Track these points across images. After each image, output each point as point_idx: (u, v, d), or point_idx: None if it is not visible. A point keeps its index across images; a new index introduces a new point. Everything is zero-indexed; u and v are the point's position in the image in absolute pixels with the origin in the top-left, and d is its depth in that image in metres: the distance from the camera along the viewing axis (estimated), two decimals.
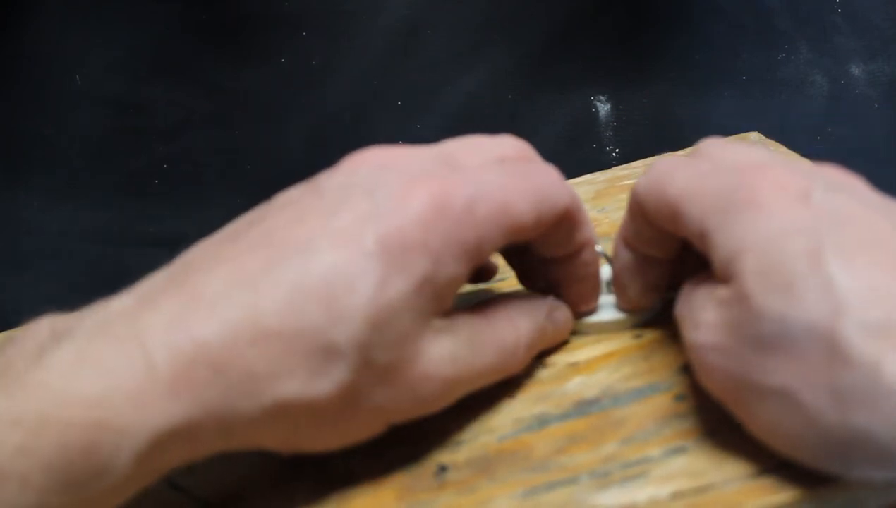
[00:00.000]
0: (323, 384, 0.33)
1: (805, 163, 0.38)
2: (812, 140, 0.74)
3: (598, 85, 0.73)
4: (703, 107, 0.72)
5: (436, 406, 0.37)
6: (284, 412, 0.33)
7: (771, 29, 0.73)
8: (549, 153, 0.72)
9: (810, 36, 0.73)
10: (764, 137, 0.63)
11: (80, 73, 0.69)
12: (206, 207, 0.70)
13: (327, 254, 0.33)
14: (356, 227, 0.34)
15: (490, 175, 0.37)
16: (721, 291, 0.34)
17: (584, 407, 0.39)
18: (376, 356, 0.34)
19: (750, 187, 0.34)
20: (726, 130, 0.69)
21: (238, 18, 0.70)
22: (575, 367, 0.42)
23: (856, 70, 0.73)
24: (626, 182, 0.63)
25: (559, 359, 0.43)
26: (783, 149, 0.61)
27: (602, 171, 0.67)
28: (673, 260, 0.42)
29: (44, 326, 0.33)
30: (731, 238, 0.34)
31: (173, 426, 0.31)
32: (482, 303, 0.40)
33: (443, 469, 0.37)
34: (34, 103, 0.70)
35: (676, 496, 0.33)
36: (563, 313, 0.43)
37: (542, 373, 0.42)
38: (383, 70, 0.71)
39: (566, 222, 0.40)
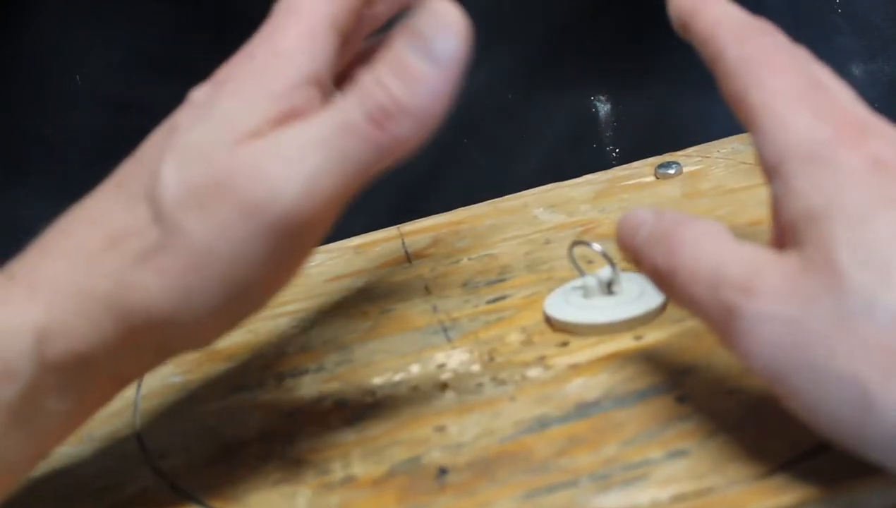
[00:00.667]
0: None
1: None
2: None
3: (598, 85, 0.72)
4: (703, 107, 0.72)
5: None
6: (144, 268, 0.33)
7: None
8: (549, 153, 0.73)
9: (810, 36, 0.72)
10: None
11: (80, 73, 0.69)
12: None
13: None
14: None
15: None
16: (791, 256, 0.31)
17: (584, 408, 0.39)
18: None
19: (842, 150, 0.31)
20: (726, 130, 0.69)
21: (238, 18, 0.70)
22: (576, 369, 0.42)
23: (856, 70, 0.72)
24: (626, 182, 0.64)
25: (560, 361, 0.43)
26: None
27: (602, 171, 0.67)
28: None
29: None
30: (813, 194, 0.31)
31: (47, 323, 0.33)
32: None
33: (443, 471, 0.37)
34: (34, 103, 0.69)
35: (678, 498, 0.33)
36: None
37: (543, 375, 0.42)
38: None
39: None
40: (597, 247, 0.46)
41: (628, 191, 0.62)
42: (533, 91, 0.72)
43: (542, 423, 0.39)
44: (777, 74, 0.34)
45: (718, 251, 0.33)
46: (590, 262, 0.50)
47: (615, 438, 0.37)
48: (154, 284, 0.33)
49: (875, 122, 0.33)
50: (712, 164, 0.63)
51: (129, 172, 0.35)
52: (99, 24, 0.69)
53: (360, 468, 0.38)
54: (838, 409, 0.29)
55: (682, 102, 0.73)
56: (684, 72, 0.72)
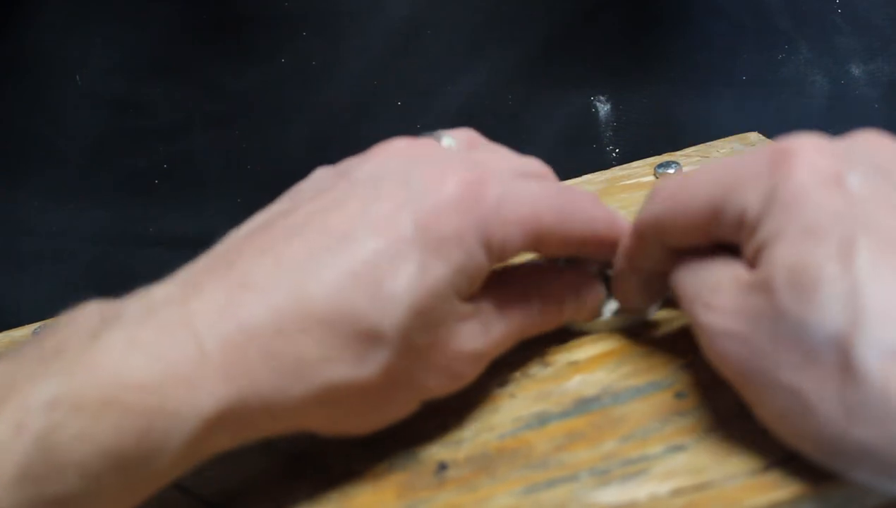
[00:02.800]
0: (368, 367, 0.34)
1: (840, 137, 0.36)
2: None
3: (598, 85, 0.73)
4: (703, 107, 0.72)
5: (467, 380, 0.38)
6: (331, 395, 0.34)
7: (771, 29, 0.73)
8: (549, 153, 0.73)
9: (810, 36, 0.73)
10: (764, 137, 0.63)
11: (81, 73, 0.69)
12: (206, 207, 0.70)
13: (368, 241, 0.35)
14: (394, 215, 0.35)
15: (521, 182, 0.39)
16: (745, 275, 0.34)
17: (584, 405, 0.39)
18: (417, 338, 0.35)
19: (785, 166, 0.33)
20: (726, 130, 0.69)
21: (238, 18, 0.70)
22: (575, 366, 0.42)
23: (856, 70, 0.73)
24: (626, 182, 0.63)
25: (559, 358, 0.43)
26: None
27: (602, 171, 0.67)
28: None
29: (92, 311, 0.34)
30: (769, 222, 0.33)
31: (223, 410, 0.32)
32: (502, 280, 0.40)
33: (443, 466, 0.37)
34: (34, 103, 0.70)
35: (676, 493, 0.33)
36: (588, 289, 0.43)
37: (543, 372, 0.42)
38: (383, 70, 0.71)
39: (598, 246, 0.41)
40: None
41: (627, 191, 0.62)
42: (533, 91, 0.72)
43: (542, 419, 0.39)
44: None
45: (701, 270, 0.36)
46: None
47: (614, 434, 0.37)
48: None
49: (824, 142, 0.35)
50: None
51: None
52: (99, 24, 0.69)
53: (360, 463, 0.38)
54: (788, 417, 0.32)
55: (682, 102, 0.73)
56: (684, 72, 0.72)
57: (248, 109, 0.71)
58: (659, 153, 0.68)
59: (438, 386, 0.37)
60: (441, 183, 0.36)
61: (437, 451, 0.38)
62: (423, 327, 0.35)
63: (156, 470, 0.32)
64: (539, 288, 0.41)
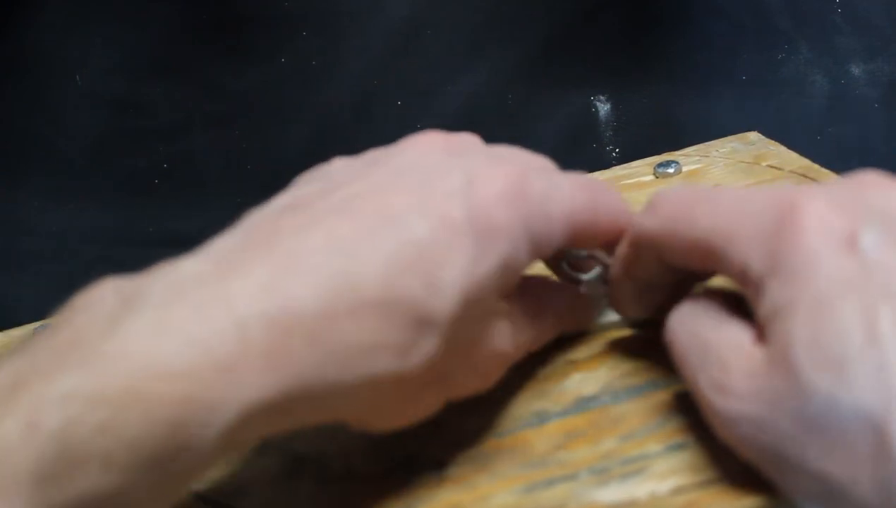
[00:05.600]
0: (415, 356, 0.32)
1: (842, 183, 0.34)
2: (812, 140, 0.74)
3: (598, 85, 0.73)
4: (703, 107, 0.72)
5: (492, 381, 0.38)
6: (373, 385, 0.32)
7: (771, 29, 0.73)
8: (549, 153, 0.73)
9: (810, 36, 0.73)
10: (764, 137, 0.63)
11: (81, 73, 0.69)
12: (206, 207, 0.71)
13: (421, 225, 0.33)
14: (445, 203, 0.34)
15: (560, 178, 0.38)
16: (756, 351, 0.32)
17: (583, 403, 0.39)
18: (462, 331, 0.34)
19: (792, 229, 0.31)
20: (726, 130, 0.69)
21: (238, 18, 0.70)
22: (574, 364, 0.42)
23: (856, 70, 0.73)
24: (626, 181, 0.64)
25: (558, 357, 0.43)
26: (783, 149, 0.61)
27: (602, 171, 0.67)
28: (677, 282, 0.40)
29: (108, 292, 0.31)
30: (777, 289, 0.31)
31: (266, 400, 0.29)
32: (520, 287, 0.39)
33: (442, 465, 0.37)
34: (34, 103, 0.70)
35: (677, 491, 0.33)
36: (580, 300, 0.43)
37: (542, 371, 0.42)
38: (383, 70, 0.71)
39: (616, 238, 0.41)
40: (582, 253, 0.46)
41: (628, 191, 0.62)
42: (533, 91, 0.72)
43: (541, 418, 0.39)
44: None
45: (703, 337, 0.34)
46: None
47: (614, 432, 0.37)
48: None
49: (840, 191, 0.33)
50: (711, 163, 0.63)
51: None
52: (99, 24, 0.69)
53: (360, 462, 0.38)
54: (817, 498, 0.30)
55: (682, 102, 0.73)
56: (684, 72, 0.73)
57: (248, 109, 0.71)
58: (659, 153, 0.68)
59: (467, 385, 0.37)
60: (490, 175, 0.35)
61: (436, 450, 0.38)
62: (469, 318, 0.34)
63: (190, 465, 0.29)
64: (550, 299, 0.41)
